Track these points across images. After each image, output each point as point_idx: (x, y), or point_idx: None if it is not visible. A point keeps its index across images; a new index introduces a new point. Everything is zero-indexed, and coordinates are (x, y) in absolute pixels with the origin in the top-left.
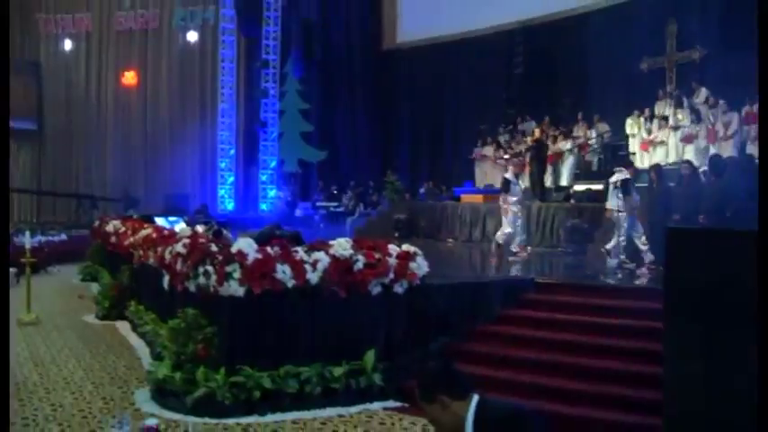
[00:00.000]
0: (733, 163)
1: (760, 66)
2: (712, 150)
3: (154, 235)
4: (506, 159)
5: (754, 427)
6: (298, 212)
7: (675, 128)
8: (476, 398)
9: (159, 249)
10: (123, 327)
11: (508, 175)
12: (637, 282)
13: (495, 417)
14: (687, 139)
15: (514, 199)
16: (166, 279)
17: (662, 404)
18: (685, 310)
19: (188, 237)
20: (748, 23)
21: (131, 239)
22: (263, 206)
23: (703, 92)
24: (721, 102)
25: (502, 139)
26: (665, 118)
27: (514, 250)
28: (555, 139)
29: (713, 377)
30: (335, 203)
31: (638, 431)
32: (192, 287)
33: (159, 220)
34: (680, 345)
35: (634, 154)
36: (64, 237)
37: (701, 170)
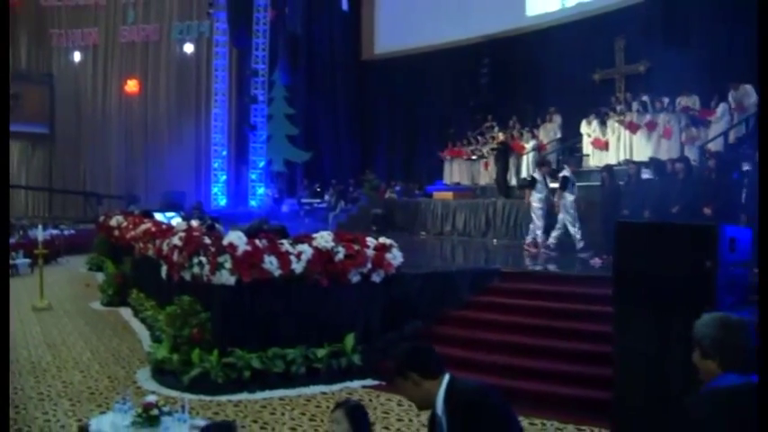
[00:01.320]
0: (680, 164)
1: (760, 65)
2: (650, 150)
3: (153, 229)
4: (473, 160)
5: (688, 391)
6: (284, 208)
7: (623, 122)
8: (447, 377)
9: (158, 242)
10: (126, 312)
11: (567, 173)
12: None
13: (464, 395)
14: (632, 128)
15: (572, 198)
16: (164, 269)
17: (612, 379)
18: (632, 295)
19: (183, 230)
20: (687, 40)
21: (133, 233)
22: (253, 202)
23: (647, 99)
24: (666, 101)
25: (471, 138)
26: (615, 109)
27: (550, 243)
28: (521, 136)
29: (657, 355)
30: (319, 200)
31: (590, 404)
32: (187, 276)
33: (158, 216)
34: (627, 326)
35: (588, 155)
36: (72, 230)
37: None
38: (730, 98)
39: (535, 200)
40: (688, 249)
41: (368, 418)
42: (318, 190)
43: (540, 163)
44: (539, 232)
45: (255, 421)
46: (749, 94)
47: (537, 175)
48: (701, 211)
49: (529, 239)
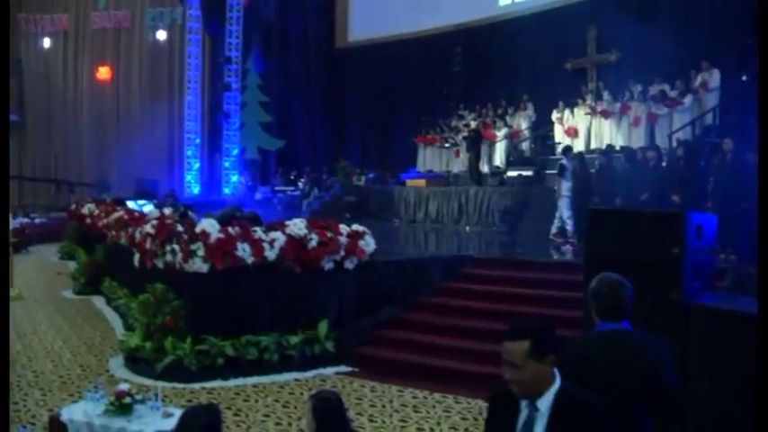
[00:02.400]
0: (652, 152)
1: (760, 65)
2: (621, 139)
3: (125, 217)
4: (447, 147)
5: (657, 377)
6: (258, 196)
7: (594, 110)
8: (557, 372)
9: (130, 230)
10: (98, 301)
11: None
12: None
13: (588, 403)
14: (604, 114)
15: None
16: (137, 257)
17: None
18: None
19: (156, 218)
20: (656, 32)
21: (105, 221)
22: (227, 190)
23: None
24: (638, 89)
25: (445, 126)
26: (584, 98)
27: None
28: (493, 124)
29: None
30: (292, 187)
31: None
32: (160, 264)
33: (130, 204)
34: None
35: (560, 143)
36: (44, 219)
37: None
38: (699, 78)
39: (565, 188)
40: (657, 236)
41: (338, 410)
42: (292, 177)
43: (567, 150)
44: (569, 221)
45: (229, 408)
46: (714, 78)
47: (566, 163)
48: (670, 198)
49: (554, 230)
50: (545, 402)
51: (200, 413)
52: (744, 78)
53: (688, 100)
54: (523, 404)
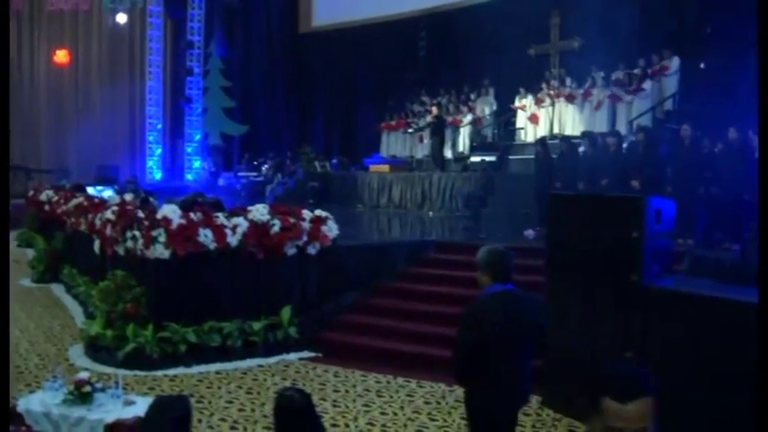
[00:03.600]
0: (612, 138)
1: (760, 64)
2: (582, 124)
3: (85, 203)
4: (410, 133)
5: (615, 355)
6: (221, 182)
7: (558, 95)
8: None
9: (90, 216)
10: (58, 289)
11: None
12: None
13: None
14: (569, 98)
15: None
16: (97, 244)
17: (545, 348)
18: (563, 265)
19: (116, 204)
20: (618, 20)
21: (64, 208)
22: (189, 176)
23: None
24: (600, 75)
25: (410, 111)
26: (549, 83)
27: None
28: (457, 110)
29: (585, 319)
30: (256, 173)
31: None
32: (120, 251)
33: (90, 190)
34: (558, 293)
35: (523, 128)
36: None
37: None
38: (659, 65)
39: None
40: (617, 220)
41: (301, 412)
42: (255, 163)
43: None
44: None
45: (192, 395)
46: (673, 64)
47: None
48: (630, 183)
49: None
50: None
51: (170, 404)
52: (702, 66)
53: (647, 85)
54: None
